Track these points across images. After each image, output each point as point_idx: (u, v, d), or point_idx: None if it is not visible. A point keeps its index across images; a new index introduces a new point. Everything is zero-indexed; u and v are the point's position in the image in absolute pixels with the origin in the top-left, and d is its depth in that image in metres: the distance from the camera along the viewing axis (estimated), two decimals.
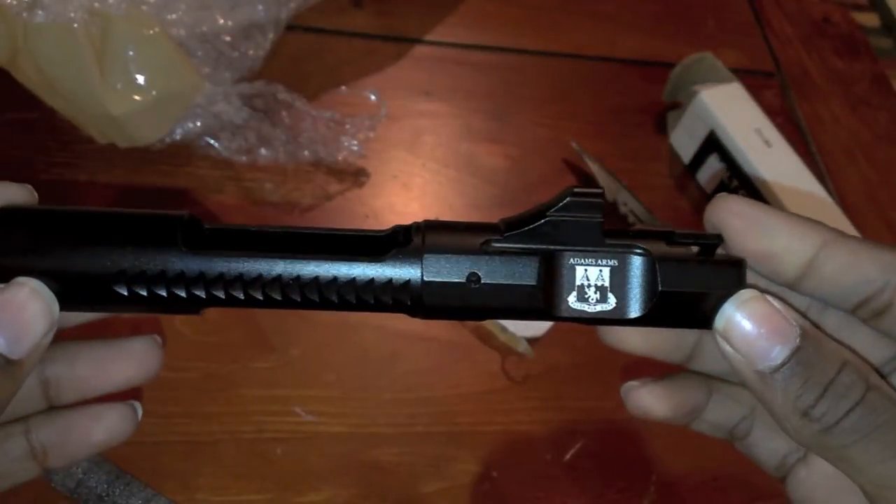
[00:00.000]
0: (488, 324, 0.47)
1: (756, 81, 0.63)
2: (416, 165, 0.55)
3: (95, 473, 0.38)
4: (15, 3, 0.41)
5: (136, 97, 0.44)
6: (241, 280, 0.22)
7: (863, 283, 0.22)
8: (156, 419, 0.41)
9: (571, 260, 0.22)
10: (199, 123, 0.47)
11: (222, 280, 0.22)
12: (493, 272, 0.22)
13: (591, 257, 0.22)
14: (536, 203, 0.23)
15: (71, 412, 0.25)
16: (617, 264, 0.22)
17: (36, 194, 0.24)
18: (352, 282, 0.22)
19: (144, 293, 0.22)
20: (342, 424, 0.43)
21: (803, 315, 0.22)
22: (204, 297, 0.22)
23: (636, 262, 0.22)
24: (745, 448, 0.27)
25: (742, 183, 0.55)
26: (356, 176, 0.52)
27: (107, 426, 0.25)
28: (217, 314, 0.45)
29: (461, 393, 0.46)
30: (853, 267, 0.22)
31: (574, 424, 0.46)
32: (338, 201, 0.51)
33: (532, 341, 0.47)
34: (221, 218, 0.48)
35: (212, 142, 0.48)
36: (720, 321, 0.22)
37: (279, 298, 0.22)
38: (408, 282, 0.22)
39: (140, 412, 0.26)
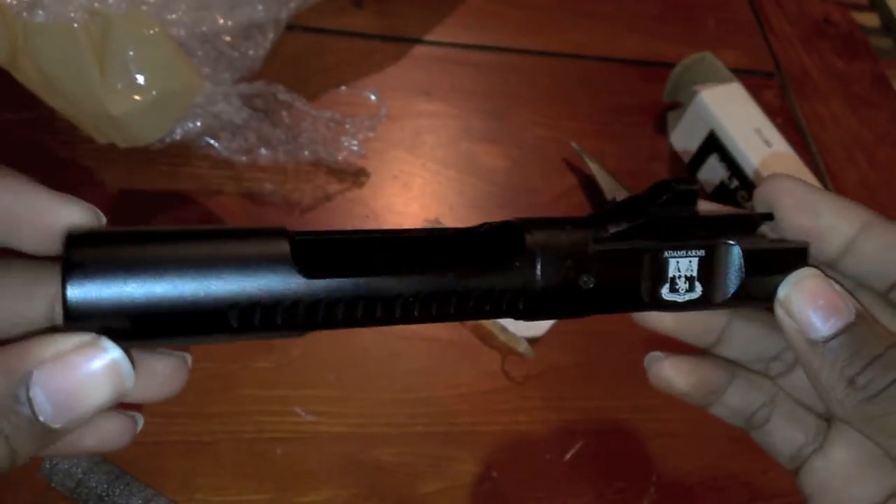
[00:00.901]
0: (488, 324, 0.47)
1: (756, 81, 0.63)
2: (416, 165, 0.55)
3: (95, 473, 0.38)
4: (15, 2, 0.41)
5: (136, 97, 0.44)
6: (363, 302, 0.21)
7: None
8: (156, 419, 0.41)
9: (666, 253, 0.23)
10: (199, 123, 0.47)
11: (338, 309, 0.20)
12: (603, 273, 0.23)
13: (684, 249, 0.23)
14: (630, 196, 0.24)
15: None
16: (704, 255, 0.23)
17: (104, 218, 0.21)
18: (469, 293, 0.22)
19: (257, 322, 0.20)
20: (342, 424, 0.43)
21: (859, 302, 0.23)
22: (320, 321, 0.20)
23: (724, 252, 0.23)
24: (761, 437, 0.28)
25: (742, 183, 0.55)
26: (356, 176, 0.52)
27: (99, 435, 0.23)
28: None
29: (461, 393, 0.46)
30: (892, 248, 0.23)
31: (574, 424, 0.46)
32: (338, 201, 0.51)
33: (532, 341, 0.47)
34: (221, 218, 0.48)
35: (212, 142, 0.48)
36: (783, 291, 0.23)
37: (398, 317, 0.21)
38: (523, 288, 0.22)
39: (140, 424, 0.24)
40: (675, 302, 0.23)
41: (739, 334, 0.27)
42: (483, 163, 0.56)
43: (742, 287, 0.23)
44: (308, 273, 0.20)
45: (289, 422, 0.42)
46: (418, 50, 0.61)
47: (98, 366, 0.18)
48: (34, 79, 0.43)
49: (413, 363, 0.46)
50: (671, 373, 0.26)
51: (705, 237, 0.23)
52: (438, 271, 0.21)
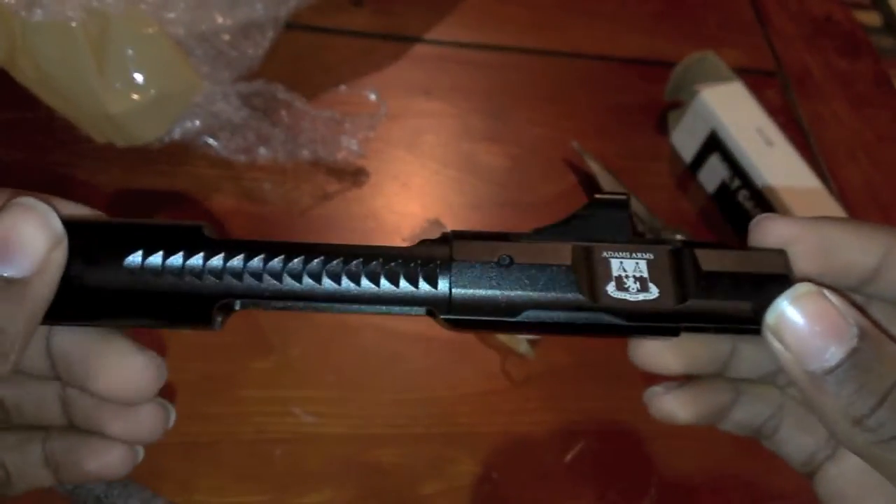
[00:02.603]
0: None
1: (758, 80, 0.63)
2: (416, 165, 0.54)
3: None
4: (13, 1, 0.40)
5: (135, 96, 0.43)
6: (266, 274, 0.22)
7: None
8: None
9: (605, 253, 0.22)
10: (197, 122, 0.46)
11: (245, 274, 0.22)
12: (526, 253, 0.21)
13: (624, 251, 0.22)
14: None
15: (78, 436, 0.25)
16: (653, 257, 0.22)
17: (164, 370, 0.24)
18: (376, 269, 0.21)
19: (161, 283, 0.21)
20: (342, 425, 0.43)
21: (863, 312, 0.20)
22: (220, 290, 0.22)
23: (673, 252, 0.22)
24: (772, 445, 0.26)
25: (744, 183, 0.54)
26: (356, 175, 0.52)
27: (100, 463, 0.25)
28: None
29: (461, 394, 0.45)
30: None
31: (575, 425, 0.46)
32: (337, 201, 0.51)
33: (533, 342, 0.47)
34: (221, 218, 0.48)
35: (211, 141, 0.48)
36: (772, 316, 0.20)
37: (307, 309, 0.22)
38: (437, 262, 0.21)
39: (141, 456, 0.26)
40: (626, 300, 0.21)
41: (746, 357, 0.25)
42: (483, 162, 0.56)
43: (707, 286, 0.21)
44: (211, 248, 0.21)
45: (288, 423, 0.42)
46: (418, 49, 0.61)
47: (25, 215, 0.20)
48: (32, 78, 0.43)
49: (413, 364, 0.46)
50: (673, 406, 0.25)
51: (648, 242, 0.22)
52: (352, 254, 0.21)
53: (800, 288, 0.20)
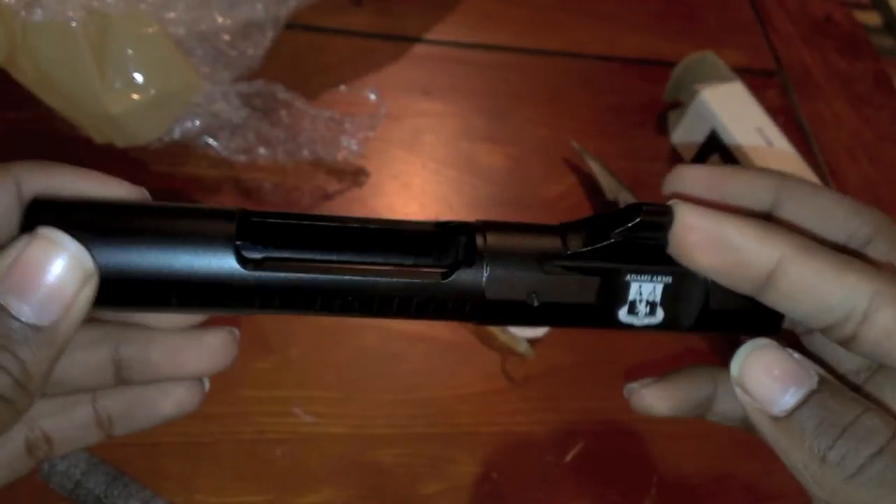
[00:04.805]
0: None
1: (758, 80, 0.63)
2: (416, 165, 0.54)
3: (94, 474, 0.38)
4: (13, 1, 0.40)
5: (135, 96, 0.43)
6: (301, 296, 0.21)
7: (822, 310, 0.20)
8: None
9: (628, 276, 0.22)
10: (197, 123, 0.46)
11: (279, 297, 0.21)
12: (554, 292, 0.22)
13: (648, 274, 0.22)
14: (568, 218, 0.23)
15: (136, 388, 0.25)
16: (671, 281, 0.22)
17: (149, 197, 0.23)
18: (412, 298, 0.22)
19: (197, 304, 0.21)
20: (342, 425, 0.43)
21: (824, 370, 0.21)
22: (257, 307, 0.22)
23: (690, 282, 0.22)
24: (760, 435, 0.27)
25: None
26: (356, 175, 0.52)
27: (176, 400, 0.25)
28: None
29: (461, 394, 0.45)
30: (812, 291, 0.20)
31: (574, 425, 0.46)
32: (337, 201, 0.51)
33: (532, 342, 0.47)
34: None
35: (211, 141, 0.48)
36: (735, 367, 0.21)
37: (338, 311, 0.22)
38: (471, 299, 0.22)
39: (207, 385, 0.25)
40: (632, 323, 0.23)
41: (727, 398, 0.25)
42: (483, 162, 0.56)
43: (706, 318, 0.23)
44: (248, 263, 0.21)
45: (288, 423, 0.42)
46: (418, 49, 0.61)
47: (49, 251, 0.19)
48: (32, 78, 0.43)
49: (413, 364, 0.46)
50: (650, 400, 0.25)
51: (673, 263, 0.22)
52: (383, 271, 0.22)
53: (759, 342, 0.21)
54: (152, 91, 0.44)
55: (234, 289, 0.21)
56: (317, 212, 0.50)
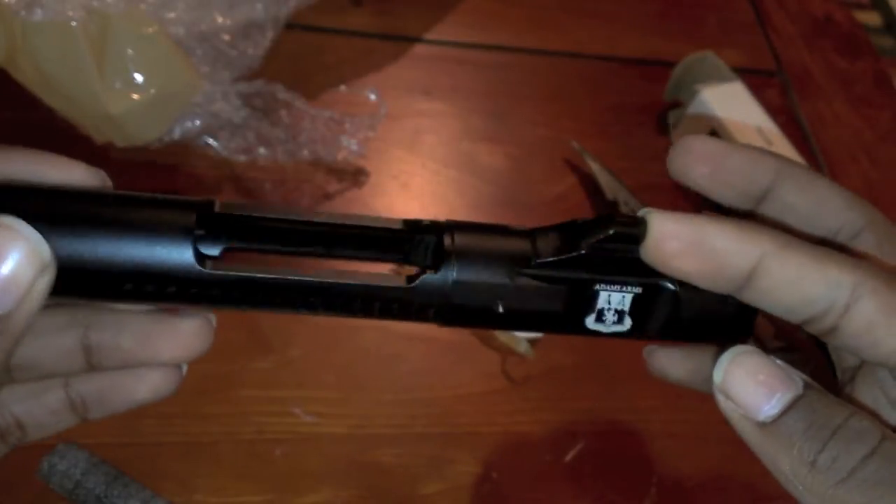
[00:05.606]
0: None
1: (758, 80, 0.63)
2: (416, 165, 0.54)
3: (93, 475, 0.38)
4: (13, 1, 0.40)
5: (135, 96, 0.43)
6: (259, 293, 0.21)
7: (803, 304, 0.20)
8: (154, 420, 0.41)
9: (597, 286, 0.22)
10: (197, 122, 0.46)
11: (236, 292, 0.21)
12: (520, 300, 0.22)
13: (616, 284, 0.22)
14: (568, 218, 0.23)
15: (110, 374, 0.24)
16: (641, 292, 0.22)
17: (109, 181, 0.23)
18: (375, 301, 0.22)
19: (153, 296, 0.21)
20: (341, 425, 0.43)
21: (807, 377, 0.21)
22: (216, 304, 0.21)
23: (660, 293, 0.22)
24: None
25: None
26: (356, 176, 0.52)
27: (151, 385, 0.24)
28: (216, 315, 0.44)
29: (461, 394, 0.45)
30: (793, 285, 0.20)
31: (574, 425, 0.46)
32: (337, 201, 0.51)
33: (532, 342, 0.47)
34: None
35: (210, 141, 0.48)
36: (718, 373, 0.21)
37: (298, 309, 0.22)
38: (437, 302, 0.22)
39: (185, 370, 0.25)
40: (597, 331, 0.22)
41: None
42: (483, 162, 0.56)
43: (675, 326, 0.22)
44: (205, 258, 0.21)
45: (288, 423, 0.42)
46: (418, 49, 0.61)
47: (10, 242, 0.18)
48: (32, 78, 0.43)
49: (413, 364, 0.46)
50: (665, 363, 0.25)
51: (644, 275, 0.22)
52: (349, 280, 0.21)
53: (741, 348, 0.21)
54: (152, 91, 0.44)
55: (190, 283, 0.21)
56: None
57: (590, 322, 0.22)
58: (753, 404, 0.20)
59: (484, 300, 0.22)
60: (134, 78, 0.43)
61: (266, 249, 0.23)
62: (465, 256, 0.22)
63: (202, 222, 0.21)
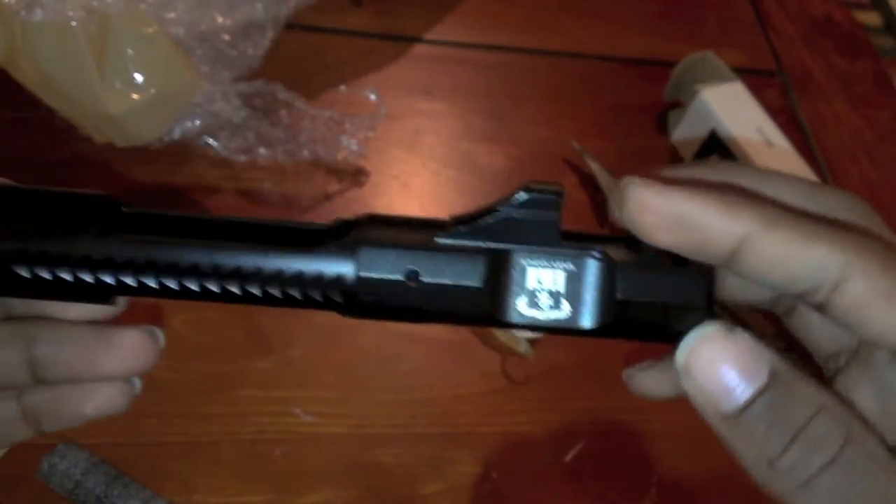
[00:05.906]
0: None
1: (758, 80, 0.63)
2: (416, 165, 0.54)
3: (93, 475, 0.38)
4: (13, 1, 0.40)
5: (135, 96, 0.43)
6: (154, 267, 0.20)
7: (790, 282, 0.19)
8: (154, 420, 0.41)
9: (523, 261, 0.20)
10: (197, 122, 0.46)
11: (132, 266, 0.20)
12: (435, 270, 0.20)
13: (546, 258, 0.20)
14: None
15: (63, 385, 0.24)
16: (574, 269, 0.20)
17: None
18: (277, 274, 0.20)
19: (48, 277, 0.20)
20: (341, 425, 0.43)
21: (779, 352, 0.20)
22: (113, 283, 0.20)
23: (594, 268, 0.20)
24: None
25: None
26: (356, 176, 0.52)
27: (99, 400, 0.24)
28: (217, 315, 0.44)
29: (461, 394, 0.45)
30: (780, 264, 0.19)
31: (574, 425, 0.46)
32: (337, 201, 0.51)
33: (533, 342, 0.47)
34: None
35: (210, 141, 0.48)
36: (681, 357, 0.20)
37: (196, 289, 0.20)
38: (340, 277, 0.20)
39: (139, 386, 0.24)
40: (535, 319, 0.20)
41: None
42: (483, 162, 0.56)
43: (619, 313, 0.20)
44: (101, 234, 0.20)
45: (288, 423, 0.42)
46: (418, 49, 0.61)
47: None
48: (32, 78, 0.43)
49: (413, 364, 0.46)
50: (648, 384, 0.25)
51: (573, 248, 0.20)
52: (247, 247, 0.20)
53: (708, 328, 0.19)
54: (152, 91, 0.44)
55: (84, 257, 0.20)
56: (316, 212, 0.50)
57: (523, 307, 0.20)
58: (717, 394, 0.19)
59: (394, 271, 0.20)
60: (134, 78, 0.43)
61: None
62: (374, 233, 0.20)
63: (99, 217, 0.21)
